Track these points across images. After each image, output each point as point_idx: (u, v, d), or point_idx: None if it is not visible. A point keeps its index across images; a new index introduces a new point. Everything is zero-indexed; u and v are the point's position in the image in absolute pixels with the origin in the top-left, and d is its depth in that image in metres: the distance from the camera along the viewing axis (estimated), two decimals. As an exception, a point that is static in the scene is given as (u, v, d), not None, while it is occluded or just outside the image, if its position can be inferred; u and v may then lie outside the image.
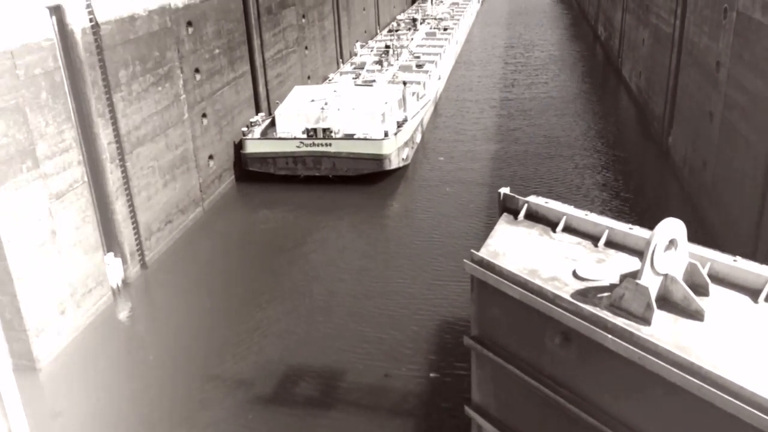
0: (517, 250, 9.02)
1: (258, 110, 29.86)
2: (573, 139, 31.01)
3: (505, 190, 10.15)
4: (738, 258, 8.15)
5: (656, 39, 31.55)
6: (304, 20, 36.07)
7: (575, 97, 38.09)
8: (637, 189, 25.60)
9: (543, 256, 8.81)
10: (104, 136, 18.78)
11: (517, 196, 10.06)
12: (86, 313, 17.99)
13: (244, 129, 27.75)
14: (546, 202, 9.82)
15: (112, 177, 19.13)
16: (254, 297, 18.99)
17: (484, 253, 8.95)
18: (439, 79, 39.06)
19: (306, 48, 36.40)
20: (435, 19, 55.59)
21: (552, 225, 9.51)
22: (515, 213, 9.93)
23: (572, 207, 9.74)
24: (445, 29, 50.94)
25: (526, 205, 9.84)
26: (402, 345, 16.49)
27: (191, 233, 23.34)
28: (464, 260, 9.00)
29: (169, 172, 22.35)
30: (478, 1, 70.26)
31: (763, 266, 8.02)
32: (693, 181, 23.96)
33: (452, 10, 61.19)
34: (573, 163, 28.25)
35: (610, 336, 7.25)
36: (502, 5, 72.74)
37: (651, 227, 7.75)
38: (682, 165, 25.57)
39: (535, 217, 9.79)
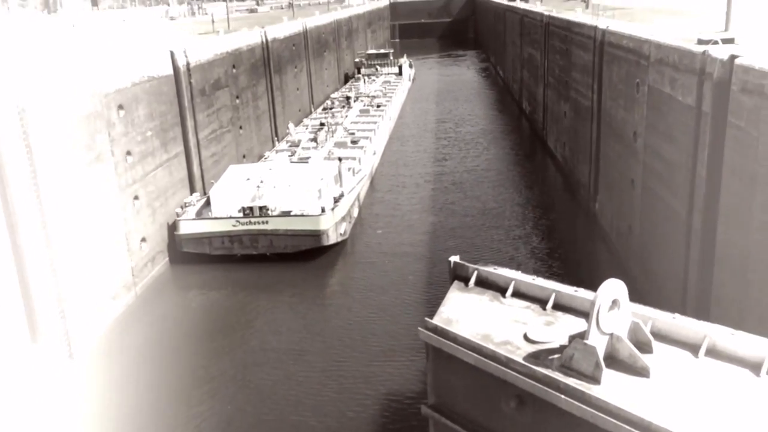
0: (470, 316, 9.26)
1: (192, 190, 29.58)
2: (507, 210, 31.89)
3: (455, 259, 10.55)
4: (677, 315, 8.57)
5: (577, 112, 33.31)
6: (238, 101, 36.48)
7: (506, 169, 39.44)
8: (569, 254, 26.35)
9: (495, 321, 9.07)
10: (30, 220, 18.14)
11: (467, 263, 10.41)
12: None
13: (178, 210, 27.36)
14: (495, 269, 10.23)
15: (37, 262, 18.38)
16: (187, 390, 18.20)
17: (437, 320, 9.19)
18: (374, 154, 39.86)
19: (241, 128, 36.67)
20: (368, 96, 57.19)
21: (502, 290, 9.85)
22: (466, 280, 10.24)
23: (520, 273, 10.14)
24: (378, 106, 52.40)
25: (476, 273, 10.20)
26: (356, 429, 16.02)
27: (122, 320, 22.44)
28: (418, 328, 9.17)
29: (97, 256, 21.64)
30: (409, 79, 72.83)
31: (701, 322, 8.45)
32: (621, 245, 24.88)
33: (384, 87, 63.19)
34: (508, 232, 28.95)
35: (563, 396, 7.42)
36: (431, 82, 75.63)
37: (588, 290, 8.11)
38: (610, 230, 26.58)
39: (485, 283, 10.14)
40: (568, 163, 35.87)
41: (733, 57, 15.85)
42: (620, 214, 25.00)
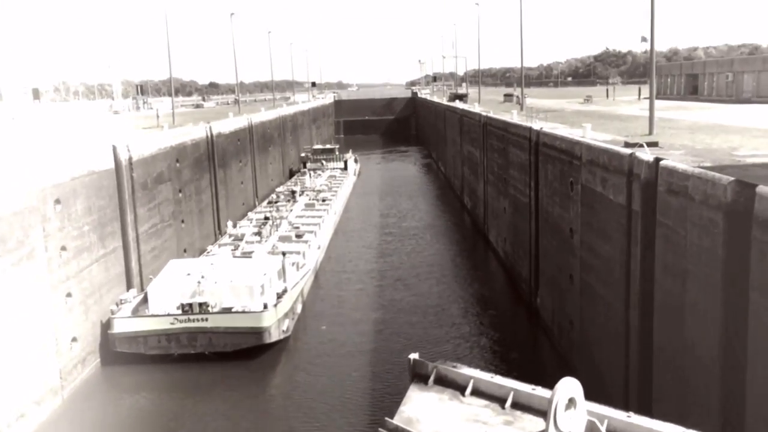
0: (430, 415, 9.17)
1: (129, 286, 28.64)
2: (451, 306, 31.93)
3: (414, 356, 10.61)
4: (631, 413, 8.66)
5: (516, 208, 34.36)
6: (180, 194, 36.21)
7: (450, 264, 39.88)
8: (513, 351, 26.37)
9: (455, 420, 9.00)
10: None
11: (426, 361, 10.43)
12: None
13: (113, 307, 26.33)
14: (454, 366, 10.26)
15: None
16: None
17: (398, 420, 9.10)
18: (319, 248, 39.78)
19: (182, 221, 36.20)
20: (313, 190, 57.74)
21: (461, 389, 9.81)
22: (425, 378, 10.17)
23: (479, 370, 10.20)
24: (323, 200, 52.86)
25: (435, 370, 10.19)
26: None
27: (46, 428, 20.93)
28: (379, 429, 8.99)
29: (20, 358, 20.40)
30: (354, 174, 74.18)
31: (656, 421, 8.54)
32: (563, 341, 25.10)
33: (330, 182, 64.04)
34: (453, 330, 28.87)
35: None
36: (376, 177, 77.17)
37: (545, 388, 8.18)
38: (552, 324, 26.87)
39: (444, 381, 10.08)
40: (509, 258, 36.57)
41: (657, 159, 16.81)
42: (561, 310, 25.37)
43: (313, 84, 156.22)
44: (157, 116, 55.50)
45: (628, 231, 18.14)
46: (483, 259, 41.78)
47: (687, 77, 71.63)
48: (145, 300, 27.29)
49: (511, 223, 35.64)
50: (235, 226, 42.82)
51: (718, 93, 62.00)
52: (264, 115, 65.37)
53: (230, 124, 51.22)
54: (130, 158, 29.37)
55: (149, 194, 31.47)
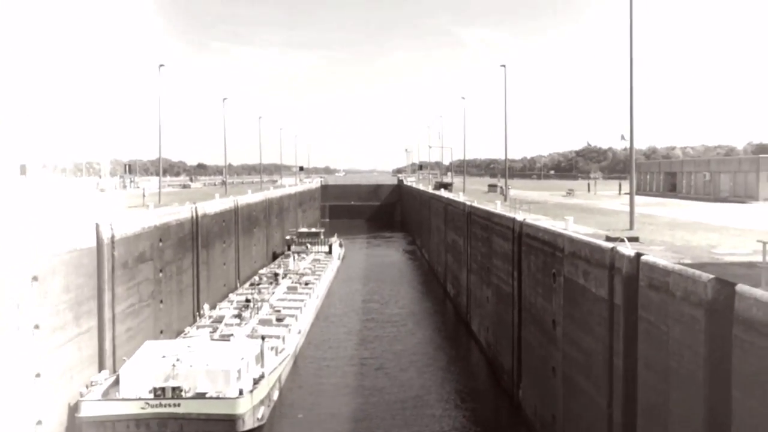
0: None
1: (102, 368, 27.77)
2: (432, 397, 31.20)
3: None
4: None
5: (499, 297, 34.27)
6: (161, 274, 35.81)
7: (431, 352, 39.26)
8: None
9: None
10: None
11: None
12: None
13: (83, 389, 25.42)
14: None
15: None
16: None
17: None
18: (300, 333, 39.11)
19: (161, 302, 35.62)
20: (297, 273, 57.37)
21: None
22: None
23: None
24: (306, 284, 52.44)
25: None
26: None
27: None
28: None
29: (-17, 442, 19.47)
30: (339, 258, 74.05)
31: None
32: (546, 436, 24.45)
33: (314, 265, 63.76)
34: (434, 421, 28.13)
35: None
36: (360, 262, 77.04)
37: None
38: (534, 418, 26.24)
39: None
40: (491, 349, 36.12)
41: (638, 255, 17.01)
42: (544, 403, 24.87)
43: (301, 168, 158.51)
44: (143, 195, 55.67)
45: (610, 325, 18.09)
46: (465, 348, 41.20)
47: (666, 175, 73.59)
48: (117, 382, 26.38)
49: (494, 313, 35.44)
50: (213, 308, 42.05)
51: (696, 191, 63.58)
52: (250, 197, 65.82)
53: (216, 205, 51.43)
54: (113, 236, 29.20)
55: (129, 273, 31.10)
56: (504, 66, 56.08)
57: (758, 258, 15.25)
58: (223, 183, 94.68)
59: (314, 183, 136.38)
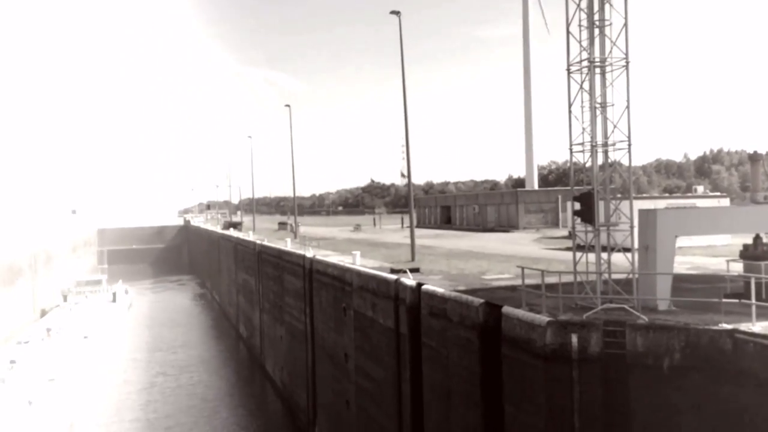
0: None
1: None
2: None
3: None
4: None
5: (292, 335, 34.17)
6: None
7: (224, 398, 37.75)
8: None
9: None
10: None
11: None
12: None
13: None
14: None
15: None
16: None
17: None
18: (75, 396, 35.25)
19: None
20: (75, 326, 51.91)
21: None
22: None
23: None
24: (85, 337, 47.65)
25: None
26: None
27: None
28: None
29: None
30: (126, 306, 69.04)
31: None
32: (343, 470, 24.66)
33: (95, 316, 58.28)
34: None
35: None
36: (147, 308, 72.36)
37: None
38: (332, 454, 26.37)
39: None
40: (287, 388, 35.76)
41: (419, 284, 18.11)
42: (340, 437, 25.11)
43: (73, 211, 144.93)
44: None
45: (397, 353, 18.93)
46: (260, 391, 40.30)
47: (442, 208, 79.80)
48: None
49: (288, 351, 35.22)
50: None
51: (468, 222, 69.87)
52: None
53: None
54: None
55: None
56: (288, 106, 57.12)
57: (519, 281, 17.04)
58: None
59: (87, 229, 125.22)
